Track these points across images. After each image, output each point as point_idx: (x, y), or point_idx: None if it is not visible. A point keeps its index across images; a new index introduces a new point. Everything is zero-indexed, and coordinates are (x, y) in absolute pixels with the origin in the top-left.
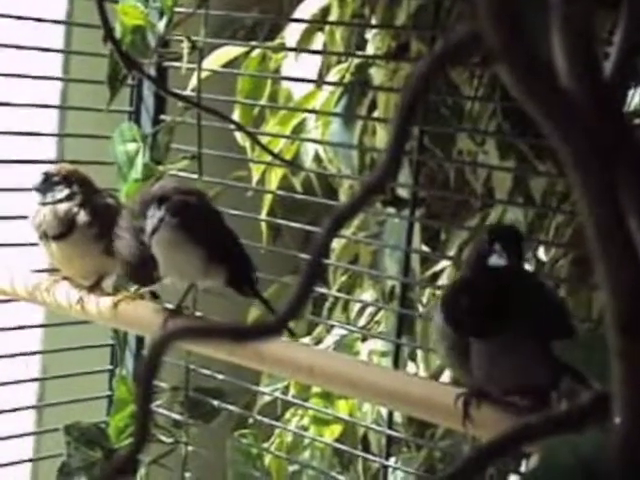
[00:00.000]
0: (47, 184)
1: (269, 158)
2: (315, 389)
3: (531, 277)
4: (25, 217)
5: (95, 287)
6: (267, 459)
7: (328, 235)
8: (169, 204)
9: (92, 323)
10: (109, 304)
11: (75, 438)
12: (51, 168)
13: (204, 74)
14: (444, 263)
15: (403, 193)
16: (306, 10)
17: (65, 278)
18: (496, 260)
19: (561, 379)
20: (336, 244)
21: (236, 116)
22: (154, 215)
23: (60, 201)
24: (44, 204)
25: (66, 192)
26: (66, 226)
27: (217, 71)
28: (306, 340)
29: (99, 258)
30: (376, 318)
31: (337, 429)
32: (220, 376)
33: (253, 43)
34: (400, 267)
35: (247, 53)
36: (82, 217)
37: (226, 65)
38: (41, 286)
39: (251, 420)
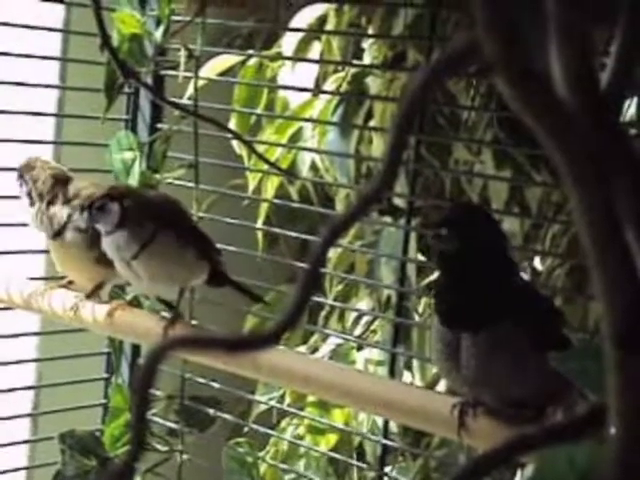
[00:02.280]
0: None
1: (265, 167)
2: (311, 398)
3: (517, 275)
4: (20, 225)
5: (92, 295)
6: (262, 468)
7: (325, 245)
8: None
9: (87, 331)
10: (104, 313)
11: (70, 446)
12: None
13: (201, 83)
14: None
15: (399, 202)
16: (303, 19)
17: (64, 286)
18: (438, 245)
19: (559, 390)
20: (332, 253)
21: (233, 125)
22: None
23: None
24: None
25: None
26: (58, 227)
27: (214, 80)
28: (302, 349)
29: (92, 266)
30: (372, 327)
31: (332, 438)
32: (216, 385)
33: (250, 52)
34: (396, 276)
35: (244, 62)
36: (75, 223)
37: (223, 74)
38: (37, 292)
39: (246, 429)
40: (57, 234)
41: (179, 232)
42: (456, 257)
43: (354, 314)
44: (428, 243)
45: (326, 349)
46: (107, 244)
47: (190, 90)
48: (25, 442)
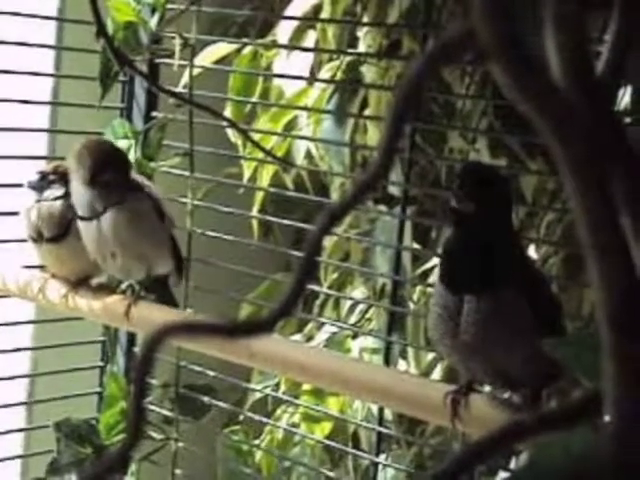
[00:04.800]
0: (43, 182)
1: (261, 155)
2: (306, 386)
3: (520, 245)
4: (16, 213)
5: (81, 284)
6: (258, 456)
7: (321, 233)
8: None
9: (83, 319)
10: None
11: (65, 434)
12: (47, 167)
13: (196, 71)
14: (435, 261)
15: (394, 191)
16: (298, 7)
17: (53, 275)
18: (455, 205)
19: (553, 372)
20: (327, 241)
21: (228, 113)
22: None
23: (56, 199)
24: (39, 202)
25: (62, 191)
26: (61, 228)
27: (209, 68)
28: (297, 337)
29: (90, 261)
30: (367, 315)
31: (327, 426)
32: (211, 373)
33: (245, 40)
34: (391, 265)
35: (239, 50)
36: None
37: (218, 62)
38: (33, 285)
39: (242, 417)
40: (60, 236)
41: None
42: (471, 218)
43: (349, 302)
44: (448, 207)
45: (321, 337)
46: (83, 195)
47: (185, 78)
48: (20, 430)
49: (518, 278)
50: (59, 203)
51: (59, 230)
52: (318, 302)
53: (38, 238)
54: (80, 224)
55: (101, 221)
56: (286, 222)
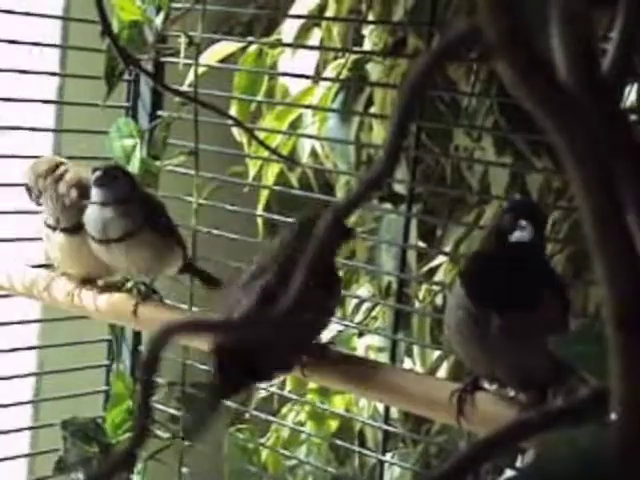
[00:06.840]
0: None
1: (266, 154)
2: (311, 384)
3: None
4: (21, 212)
5: (87, 282)
6: (264, 454)
7: (328, 231)
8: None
9: (89, 318)
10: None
11: (72, 433)
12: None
13: (201, 70)
14: (440, 259)
15: (400, 189)
16: (303, 6)
17: (62, 274)
18: (520, 235)
19: (562, 375)
20: None
21: (233, 112)
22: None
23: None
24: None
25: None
26: (77, 221)
27: (214, 66)
28: None
29: (100, 261)
30: (373, 314)
31: (333, 424)
32: None
33: (250, 39)
34: (397, 263)
35: (244, 49)
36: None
37: (223, 61)
38: (39, 284)
39: (248, 415)
40: (74, 229)
41: (165, 223)
42: (528, 247)
43: (355, 301)
44: (501, 229)
45: (327, 335)
46: (95, 216)
47: (190, 77)
48: (27, 429)
49: (552, 289)
50: (75, 194)
51: (75, 222)
52: None
53: (56, 225)
54: (92, 243)
55: (112, 247)
56: (291, 221)
